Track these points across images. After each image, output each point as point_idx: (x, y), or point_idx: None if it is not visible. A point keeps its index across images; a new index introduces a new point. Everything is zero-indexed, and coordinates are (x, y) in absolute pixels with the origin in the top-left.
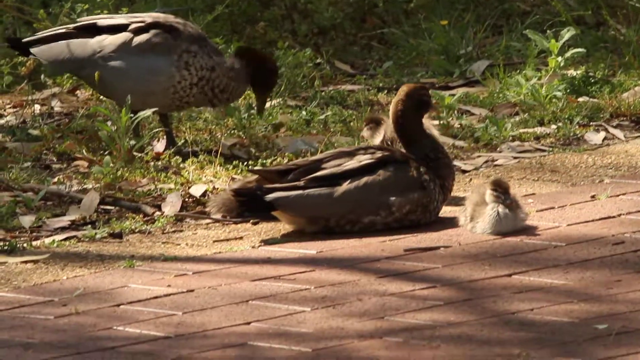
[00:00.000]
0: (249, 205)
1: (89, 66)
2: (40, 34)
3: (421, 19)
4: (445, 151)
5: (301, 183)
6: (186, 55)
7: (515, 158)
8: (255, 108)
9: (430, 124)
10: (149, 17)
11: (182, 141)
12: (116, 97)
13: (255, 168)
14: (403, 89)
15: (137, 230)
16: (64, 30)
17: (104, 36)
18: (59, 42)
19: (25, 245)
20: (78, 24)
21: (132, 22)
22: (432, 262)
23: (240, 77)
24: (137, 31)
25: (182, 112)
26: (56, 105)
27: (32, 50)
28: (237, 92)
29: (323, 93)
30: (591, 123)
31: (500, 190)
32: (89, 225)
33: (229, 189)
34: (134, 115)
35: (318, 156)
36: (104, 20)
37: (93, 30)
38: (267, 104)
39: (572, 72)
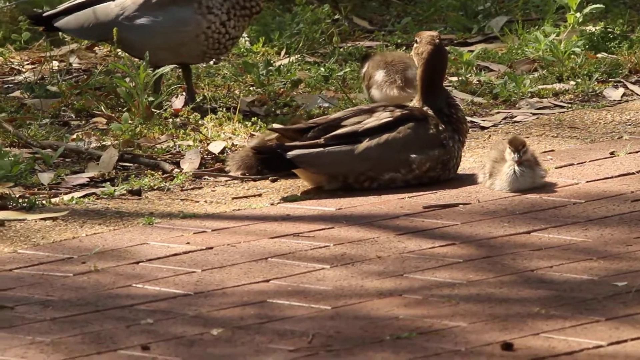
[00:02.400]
0: (269, 163)
1: (113, 29)
2: (60, 7)
3: None
4: (459, 105)
5: (321, 141)
6: (203, 0)
7: (534, 114)
8: None
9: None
10: None
11: (201, 97)
12: (150, 54)
13: (275, 126)
14: (431, 37)
15: (155, 187)
16: (84, 0)
17: None
18: (81, 11)
19: (44, 202)
20: None
21: None
22: (451, 219)
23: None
24: None
25: (222, 56)
26: (74, 62)
27: (56, 23)
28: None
29: (341, 49)
30: (610, 79)
31: (512, 148)
32: (108, 182)
33: (249, 146)
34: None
35: (337, 114)
36: None
37: None
38: (285, 60)
39: (590, 28)
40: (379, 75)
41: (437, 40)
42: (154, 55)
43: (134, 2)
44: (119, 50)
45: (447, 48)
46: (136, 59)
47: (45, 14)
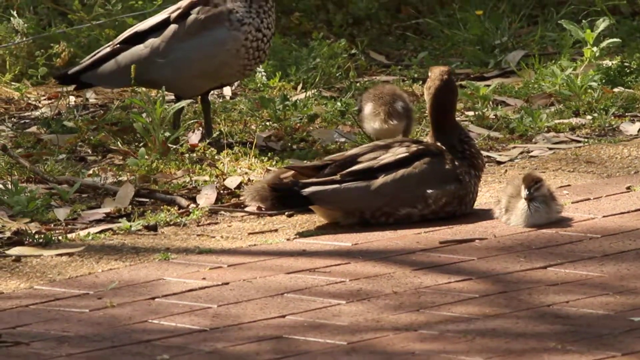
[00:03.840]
0: (285, 200)
1: (151, 70)
2: (83, 62)
3: (456, 8)
4: (473, 140)
5: (337, 177)
6: (232, 15)
7: (550, 149)
8: None
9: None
10: (181, 1)
11: (217, 133)
12: (187, 85)
13: (292, 165)
14: (439, 73)
15: (172, 222)
16: (107, 50)
17: (150, 37)
18: (110, 61)
19: (60, 237)
20: (117, 40)
21: (171, 14)
22: (467, 254)
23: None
24: (180, 18)
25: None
26: (91, 97)
27: (85, 79)
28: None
29: (358, 84)
30: (626, 113)
31: (524, 184)
32: (124, 218)
33: (265, 180)
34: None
35: (354, 150)
36: (142, 25)
37: (137, 39)
38: (302, 95)
39: (607, 62)
40: (367, 109)
41: (446, 76)
42: (191, 86)
43: (163, 38)
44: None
45: (464, 82)
46: (171, 94)
47: (70, 72)
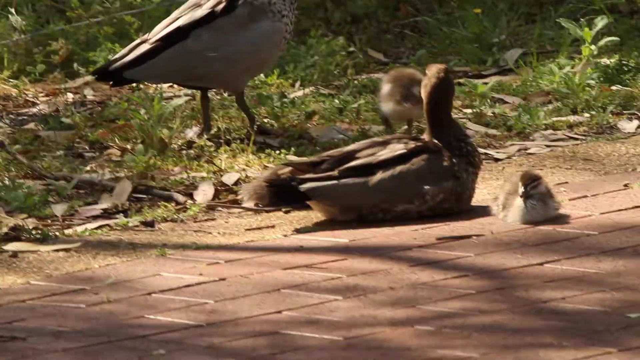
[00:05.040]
0: (282, 196)
1: (200, 65)
2: (127, 58)
3: (454, 7)
4: (470, 138)
5: (335, 173)
6: (272, 6)
7: (548, 147)
8: None
9: None
10: None
11: (215, 129)
12: (237, 79)
13: (289, 161)
14: (435, 71)
15: (169, 218)
16: (148, 47)
17: (197, 32)
18: (157, 58)
19: (57, 233)
20: (159, 35)
21: (213, 8)
22: (464, 250)
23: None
24: (225, 11)
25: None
26: (89, 94)
27: (129, 75)
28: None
29: (356, 81)
30: (624, 111)
31: (521, 182)
32: (121, 214)
33: (262, 177)
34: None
35: (351, 146)
36: (183, 20)
37: (181, 34)
38: (300, 92)
39: (605, 61)
40: (385, 89)
41: (442, 74)
42: (240, 79)
43: (212, 32)
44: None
45: (462, 80)
46: (213, 90)
47: (111, 68)
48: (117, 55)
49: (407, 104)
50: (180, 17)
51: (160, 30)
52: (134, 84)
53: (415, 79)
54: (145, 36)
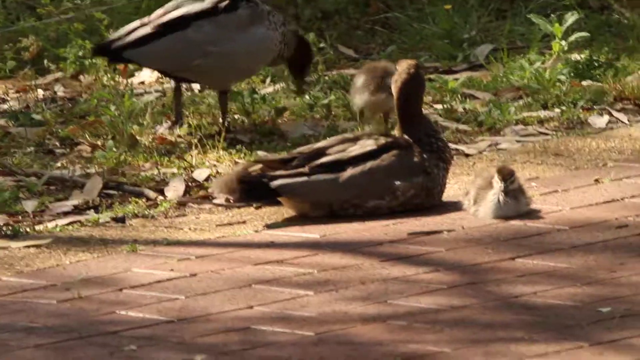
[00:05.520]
0: (253, 192)
1: (196, 57)
2: (128, 38)
3: (425, 3)
4: (440, 134)
5: (306, 169)
6: (271, 16)
7: (518, 142)
8: (296, 87)
9: None
10: None
11: (186, 125)
12: (227, 77)
13: (259, 158)
14: (406, 66)
15: (140, 214)
16: (151, 30)
17: (199, 23)
18: (157, 42)
19: (27, 229)
20: (161, 20)
21: (217, 3)
22: (435, 245)
23: (291, 40)
24: (228, 9)
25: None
26: (59, 90)
27: (127, 55)
28: (288, 54)
29: (326, 77)
30: (595, 107)
31: (500, 176)
32: (92, 210)
33: (233, 172)
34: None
35: (322, 143)
36: (186, 9)
37: (182, 23)
38: (270, 89)
39: (575, 56)
40: (359, 81)
41: (412, 70)
42: (229, 78)
43: (215, 27)
44: (104, 78)
45: (432, 76)
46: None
47: (113, 46)
48: (115, 35)
49: (382, 95)
50: (183, 6)
51: (160, 15)
52: (130, 64)
53: (389, 71)
54: (145, 19)
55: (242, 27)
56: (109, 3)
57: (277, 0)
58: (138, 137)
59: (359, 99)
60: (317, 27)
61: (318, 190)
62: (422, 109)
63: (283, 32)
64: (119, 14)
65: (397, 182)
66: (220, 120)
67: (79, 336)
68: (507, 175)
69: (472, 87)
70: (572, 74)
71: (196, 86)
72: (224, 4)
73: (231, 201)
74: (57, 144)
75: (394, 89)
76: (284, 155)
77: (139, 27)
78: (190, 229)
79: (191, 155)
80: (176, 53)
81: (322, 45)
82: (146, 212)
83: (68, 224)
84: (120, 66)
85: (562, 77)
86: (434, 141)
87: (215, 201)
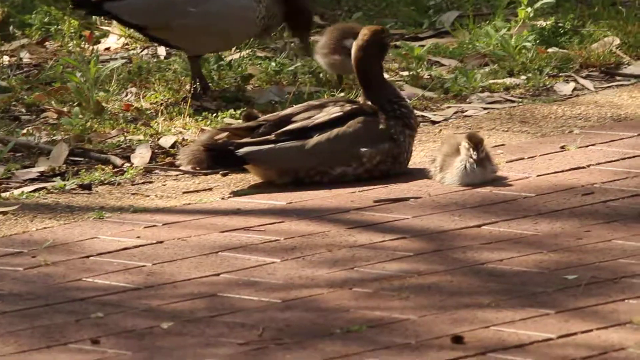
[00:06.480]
0: (220, 160)
1: (178, 16)
2: None
3: None
4: (404, 100)
5: (272, 137)
6: None
7: (484, 109)
8: (301, 49)
9: None
10: None
11: (152, 92)
12: (203, 40)
13: (226, 125)
14: (364, 32)
15: (106, 181)
16: None
17: None
18: None
19: None
20: None
21: None
22: (401, 213)
23: (278, 11)
24: None
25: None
26: (25, 57)
27: (108, 8)
28: (275, 24)
29: (292, 44)
30: (560, 74)
31: (472, 145)
32: (58, 177)
33: (199, 142)
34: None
35: (288, 110)
36: None
37: None
38: (236, 55)
39: (541, 23)
40: (321, 42)
41: (367, 36)
42: (205, 42)
43: None
44: (69, 44)
45: (398, 43)
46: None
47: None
48: None
49: (337, 57)
50: None
51: None
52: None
53: (351, 32)
54: None
55: None
56: None
57: None
58: (104, 104)
59: (319, 59)
60: None
61: (284, 158)
62: (383, 75)
63: (267, 7)
64: None
65: (363, 149)
66: (188, 86)
67: (45, 303)
68: (478, 144)
69: (438, 54)
70: (537, 41)
71: (162, 52)
72: None
73: (197, 169)
74: (23, 110)
75: (352, 55)
76: (250, 123)
77: None
78: (156, 196)
79: (157, 122)
80: (156, 9)
81: None
82: (112, 179)
83: (34, 191)
84: (86, 32)
85: (528, 44)
86: (396, 107)
87: (181, 168)
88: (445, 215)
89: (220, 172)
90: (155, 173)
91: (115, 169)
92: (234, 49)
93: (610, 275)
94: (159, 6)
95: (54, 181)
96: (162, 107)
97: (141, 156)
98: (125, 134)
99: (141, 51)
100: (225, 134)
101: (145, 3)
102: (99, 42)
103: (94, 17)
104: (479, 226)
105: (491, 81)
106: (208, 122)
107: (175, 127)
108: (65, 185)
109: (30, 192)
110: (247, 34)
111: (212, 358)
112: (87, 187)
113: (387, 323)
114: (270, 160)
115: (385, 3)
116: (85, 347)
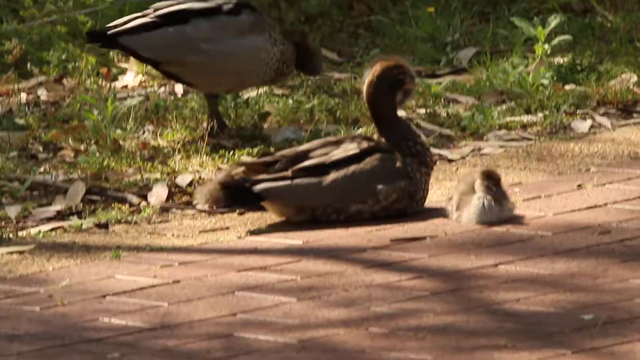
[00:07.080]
0: (236, 197)
1: (192, 53)
2: (125, 25)
3: (408, 6)
4: (421, 137)
5: (289, 173)
6: (272, 31)
7: (501, 147)
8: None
9: None
10: None
11: (169, 130)
12: (216, 79)
13: (242, 161)
14: (376, 67)
15: (123, 220)
16: (150, 20)
17: (198, 20)
18: (154, 32)
19: (10, 235)
20: (161, 11)
21: (222, 5)
22: (418, 252)
23: (292, 56)
24: (230, 12)
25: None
26: (42, 94)
27: (123, 41)
28: (289, 71)
29: (310, 81)
30: (578, 111)
31: (491, 181)
32: (75, 216)
33: (216, 180)
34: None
35: (304, 146)
36: (188, 5)
37: (182, 17)
38: (254, 93)
39: (559, 60)
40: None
41: (377, 72)
42: (218, 81)
43: (213, 26)
44: (87, 82)
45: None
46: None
47: (110, 32)
48: (112, 24)
49: None
50: (187, 2)
51: (164, 7)
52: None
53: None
54: (147, 10)
55: (241, 33)
56: (92, 6)
57: (259, 2)
58: (121, 142)
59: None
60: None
61: (301, 194)
62: (396, 112)
63: (282, 51)
64: (102, 17)
65: (380, 186)
66: (205, 124)
67: (62, 343)
68: (496, 181)
69: (455, 91)
70: (555, 78)
71: (179, 90)
72: (227, 6)
73: (214, 208)
74: (40, 148)
75: (364, 92)
76: (267, 158)
77: (139, 17)
78: (173, 235)
79: (174, 161)
80: (171, 45)
81: None
82: (129, 218)
83: (51, 230)
84: (104, 70)
85: (545, 81)
86: (411, 145)
87: (198, 207)
88: (462, 254)
89: (237, 211)
90: (172, 212)
91: (132, 208)
92: None
93: (626, 315)
94: (173, 41)
95: (70, 220)
96: (179, 145)
97: (158, 195)
98: (142, 172)
99: (158, 89)
100: (242, 168)
101: (160, 38)
102: (116, 80)
103: (111, 53)
104: (495, 265)
105: (508, 119)
106: (225, 161)
107: (192, 165)
108: (81, 224)
109: (47, 231)
110: (260, 76)
111: None
112: (103, 226)
113: None
114: (286, 196)
115: (403, 40)
116: None
